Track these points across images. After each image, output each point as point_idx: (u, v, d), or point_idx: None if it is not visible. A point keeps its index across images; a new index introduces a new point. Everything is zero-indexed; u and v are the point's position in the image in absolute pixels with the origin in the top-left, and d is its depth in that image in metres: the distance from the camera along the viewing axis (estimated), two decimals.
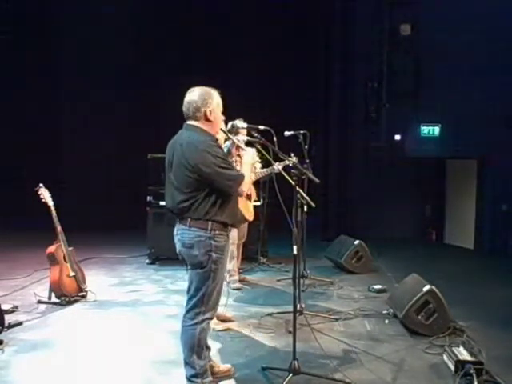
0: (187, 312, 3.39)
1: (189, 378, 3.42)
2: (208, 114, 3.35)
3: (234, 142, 3.86)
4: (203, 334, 3.38)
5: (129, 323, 4.90)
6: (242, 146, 3.68)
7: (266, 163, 5.70)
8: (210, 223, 3.28)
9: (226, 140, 4.36)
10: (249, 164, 3.55)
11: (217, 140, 3.44)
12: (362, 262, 6.98)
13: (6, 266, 6.83)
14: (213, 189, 3.27)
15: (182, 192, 3.30)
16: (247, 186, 3.44)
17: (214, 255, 3.30)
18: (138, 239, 7.96)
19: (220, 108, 3.44)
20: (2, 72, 9.54)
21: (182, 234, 3.36)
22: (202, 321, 3.36)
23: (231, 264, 5.80)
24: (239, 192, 3.35)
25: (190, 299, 3.38)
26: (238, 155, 4.95)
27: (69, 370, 3.84)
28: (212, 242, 3.29)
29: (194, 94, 3.37)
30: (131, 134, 9.98)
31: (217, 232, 3.31)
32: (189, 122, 3.40)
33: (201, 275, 3.32)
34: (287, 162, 4.10)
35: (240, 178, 3.32)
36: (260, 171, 5.90)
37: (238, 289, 5.94)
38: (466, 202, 9.05)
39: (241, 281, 6.22)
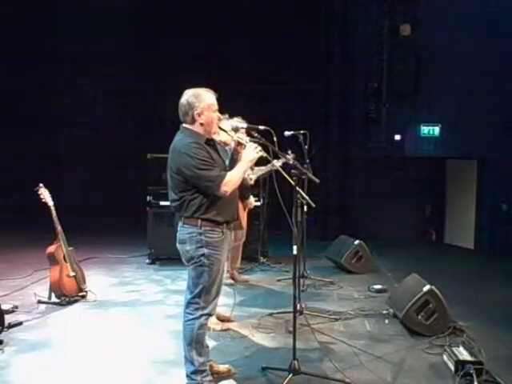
0: (186, 307, 3.47)
1: (188, 375, 3.47)
2: (196, 116, 3.40)
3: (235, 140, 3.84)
4: (202, 329, 3.44)
5: (129, 323, 4.90)
6: (243, 141, 3.66)
7: (265, 163, 5.70)
8: (199, 221, 3.37)
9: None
10: (246, 162, 3.49)
11: (209, 140, 3.45)
12: (362, 262, 6.98)
13: (6, 266, 6.83)
14: (198, 189, 3.34)
15: (174, 192, 3.43)
16: (233, 186, 3.40)
17: (206, 250, 3.37)
18: (138, 239, 7.96)
19: (212, 108, 3.45)
20: (2, 71, 9.55)
21: (179, 231, 3.49)
22: (201, 316, 3.43)
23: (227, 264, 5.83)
24: (220, 192, 3.33)
25: (189, 295, 3.45)
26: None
27: (69, 370, 3.84)
28: (203, 237, 3.37)
29: (184, 98, 3.44)
30: (131, 134, 9.98)
31: (208, 228, 3.38)
32: (182, 125, 3.50)
33: (196, 270, 3.40)
34: (286, 159, 4.11)
35: (219, 178, 3.33)
36: (259, 168, 5.92)
37: (230, 284, 5.92)
38: (465, 202, 9.05)
39: (243, 281, 6.29)
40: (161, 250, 7.21)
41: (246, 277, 6.53)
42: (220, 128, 3.65)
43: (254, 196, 6.63)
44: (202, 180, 3.31)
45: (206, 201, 3.36)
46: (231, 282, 6.04)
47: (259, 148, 3.53)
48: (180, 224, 3.46)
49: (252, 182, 5.95)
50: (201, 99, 3.40)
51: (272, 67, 9.57)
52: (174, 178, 3.39)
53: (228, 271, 6.11)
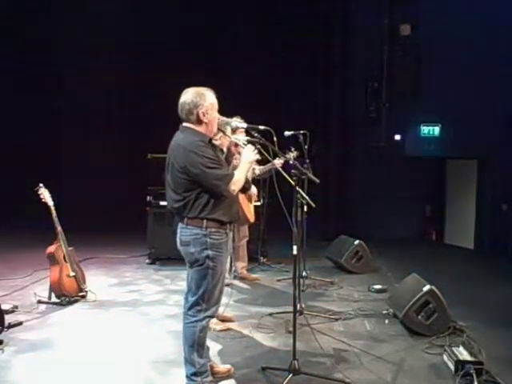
0: (188, 309, 3.43)
1: (189, 377, 3.45)
2: (201, 115, 3.37)
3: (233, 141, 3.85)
4: (204, 331, 3.43)
5: (129, 323, 4.90)
6: (240, 143, 3.67)
7: (265, 163, 5.71)
8: (204, 221, 3.33)
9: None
10: (246, 163, 3.49)
11: (210, 140, 3.44)
12: (362, 262, 6.97)
13: (6, 266, 6.82)
14: (204, 188, 3.31)
15: (176, 193, 3.38)
16: (239, 186, 3.40)
17: (210, 252, 3.34)
18: (138, 239, 7.95)
19: (215, 108, 3.45)
20: (3, 72, 9.55)
21: (180, 232, 3.43)
22: (203, 318, 3.41)
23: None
24: (229, 191, 3.32)
25: (191, 297, 3.42)
26: (239, 153, 4.96)
27: (69, 370, 3.84)
28: (208, 239, 3.34)
29: (186, 96, 3.39)
30: (131, 134, 9.97)
31: (213, 230, 3.35)
32: (184, 124, 3.45)
33: (199, 272, 3.37)
34: (286, 158, 4.14)
35: (228, 177, 3.32)
36: (260, 168, 5.93)
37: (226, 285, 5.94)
38: (466, 202, 9.05)
39: (253, 280, 6.40)
40: (161, 250, 7.20)
41: (255, 275, 6.59)
42: (219, 129, 3.64)
43: None
44: (209, 178, 3.27)
45: (212, 201, 3.33)
46: (228, 281, 6.04)
47: (256, 150, 3.54)
48: (182, 225, 3.40)
49: (257, 172, 5.96)
50: (205, 98, 3.37)
51: (272, 67, 9.56)
52: (178, 178, 3.34)
53: (235, 271, 6.30)
